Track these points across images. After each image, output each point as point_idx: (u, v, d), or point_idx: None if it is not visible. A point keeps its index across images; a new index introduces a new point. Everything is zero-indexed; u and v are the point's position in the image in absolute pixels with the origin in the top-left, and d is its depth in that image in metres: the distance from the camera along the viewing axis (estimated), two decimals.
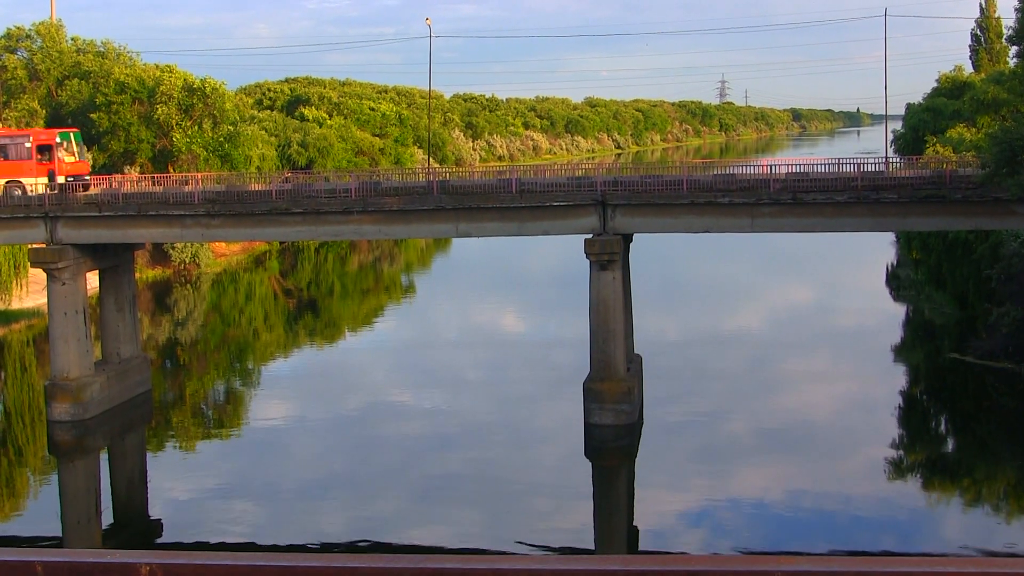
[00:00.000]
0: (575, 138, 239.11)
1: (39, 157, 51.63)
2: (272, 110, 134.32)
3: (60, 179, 49.92)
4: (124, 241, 47.22)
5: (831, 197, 41.46)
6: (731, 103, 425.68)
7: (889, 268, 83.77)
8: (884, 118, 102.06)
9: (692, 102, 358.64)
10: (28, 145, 51.94)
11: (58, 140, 52.72)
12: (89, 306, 47.50)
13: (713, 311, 71.39)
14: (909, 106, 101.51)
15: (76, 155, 53.86)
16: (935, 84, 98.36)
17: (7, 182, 50.61)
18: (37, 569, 4.56)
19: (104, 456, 44.69)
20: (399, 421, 46.88)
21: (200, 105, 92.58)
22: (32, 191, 48.79)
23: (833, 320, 67.78)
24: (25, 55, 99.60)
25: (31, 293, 69.65)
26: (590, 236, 42.55)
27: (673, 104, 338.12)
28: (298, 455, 42.66)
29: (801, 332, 64.24)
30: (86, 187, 49.70)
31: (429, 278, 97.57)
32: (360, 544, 32.64)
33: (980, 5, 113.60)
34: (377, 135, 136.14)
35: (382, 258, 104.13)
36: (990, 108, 68.05)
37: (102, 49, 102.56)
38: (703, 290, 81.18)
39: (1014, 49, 49.25)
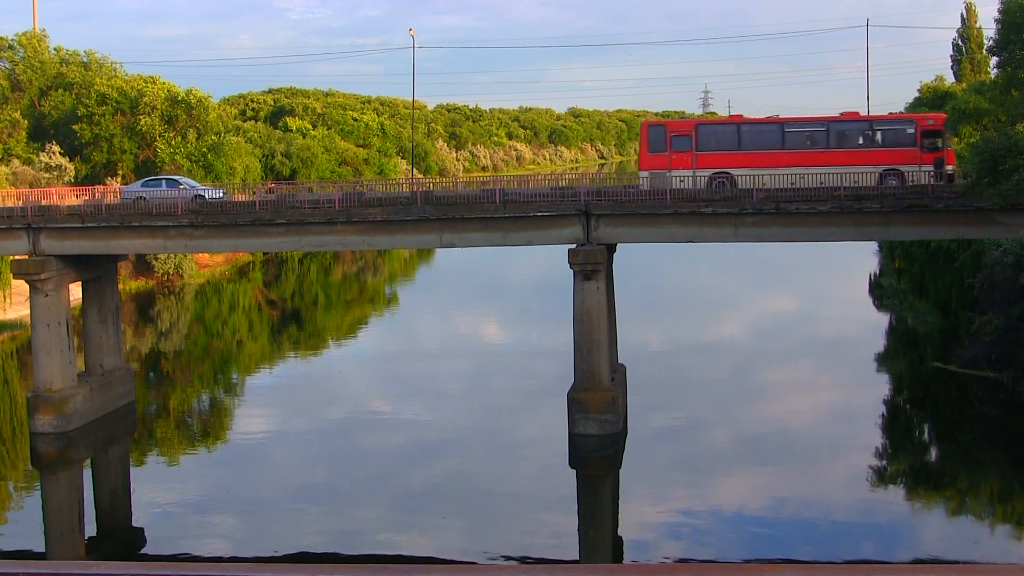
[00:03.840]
0: (559, 148, 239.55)
1: (923, 144, 46.31)
2: (256, 121, 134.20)
3: (949, 168, 45.30)
4: (107, 252, 47.06)
5: (814, 207, 41.62)
6: (714, 113, 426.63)
7: (872, 277, 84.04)
8: None
9: (676, 112, 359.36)
10: (911, 131, 46.90)
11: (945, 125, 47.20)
12: (72, 317, 47.33)
13: (697, 321, 71.53)
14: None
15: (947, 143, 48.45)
16: (917, 94, 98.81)
17: (884, 171, 45.52)
18: None
19: (87, 468, 44.47)
20: (382, 432, 46.82)
21: (184, 116, 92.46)
22: (912, 181, 43.89)
23: (816, 329, 67.96)
24: (7, 65, 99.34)
25: (14, 304, 69.44)
26: (574, 246, 42.60)
27: (657, 114, 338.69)
28: (281, 466, 42.55)
29: (784, 341, 64.38)
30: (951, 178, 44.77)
31: (413, 288, 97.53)
32: (344, 555, 32.57)
33: (962, 16, 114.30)
34: (361, 145, 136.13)
35: (366, 269, 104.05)
36: (972, 118, 68.31)
37: (85, 59, 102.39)
38: (687, 300, 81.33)
39: (995, 59, 49.51)
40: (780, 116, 49.38)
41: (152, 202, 48.42)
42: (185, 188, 53.20)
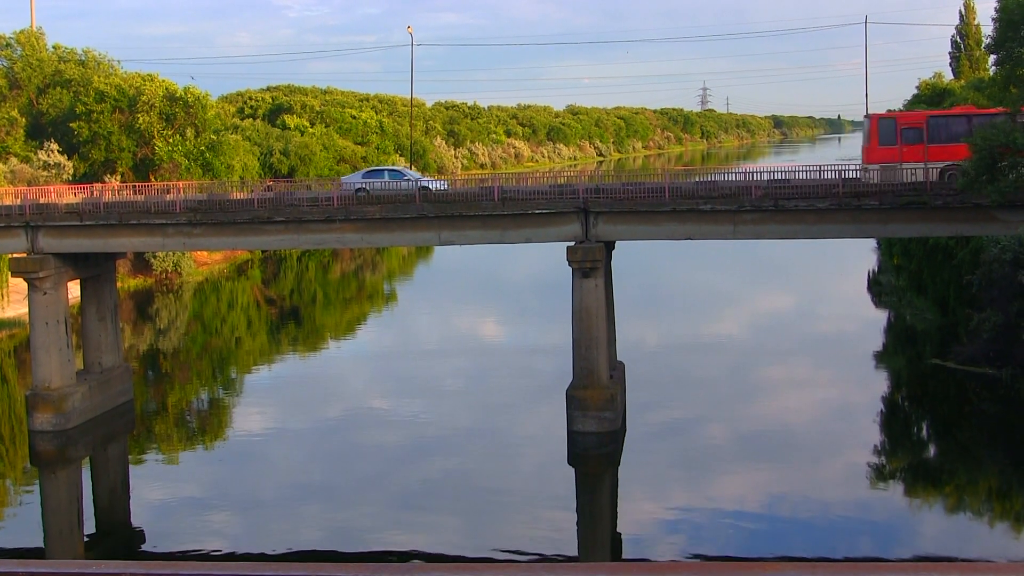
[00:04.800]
0: (557, 146, 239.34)
1: None
2: (254, 118, 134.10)
3: None
4: (105, 250, 47.04)
5: (812, 204, 41.61)
6: (712, 110, 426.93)
7: (870, 274, 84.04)
8: None
9: (674, 109, 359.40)
10: None
11: None
12: (71, 315, 47.30)
13: (695, 318, 71.50)
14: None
15: None
16: (915, 91, 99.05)
17: None
18: None
19: (86, 466, 44.48)
20: (381, 429, 46.81)
21: (182, 114, 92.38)
22: None
23: (815, 326, 67.97)
24: (5, 63, 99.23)
25: (12, 303, 69.40)
26: (572, 244, 42.59)
27: (655, 111, 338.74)
28: (280, 464, 42.55)
29: (783, 339, 64.37)
30: None
31: (411, 286, 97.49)
32: (343, 553, 32.57)
33: (960, 13, 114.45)
34: (359, 143, 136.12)
35: (364, 266, 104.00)
36: None
37: (83, 57, 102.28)
38: (685, 297, 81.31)
39: (993, 57, 49.48)
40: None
41: (374, 193, 47.23)
42: (409, 180, 51.49)
